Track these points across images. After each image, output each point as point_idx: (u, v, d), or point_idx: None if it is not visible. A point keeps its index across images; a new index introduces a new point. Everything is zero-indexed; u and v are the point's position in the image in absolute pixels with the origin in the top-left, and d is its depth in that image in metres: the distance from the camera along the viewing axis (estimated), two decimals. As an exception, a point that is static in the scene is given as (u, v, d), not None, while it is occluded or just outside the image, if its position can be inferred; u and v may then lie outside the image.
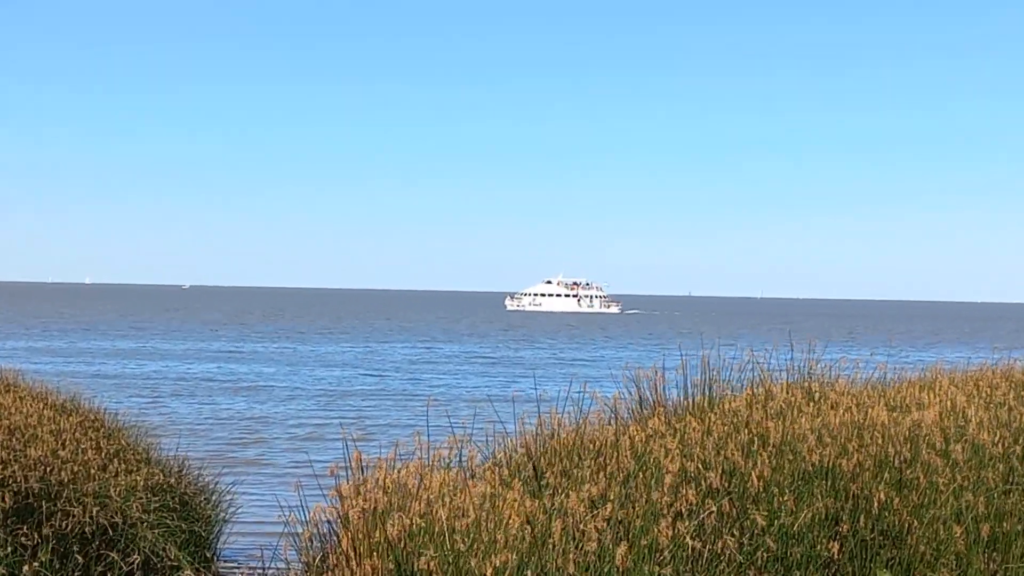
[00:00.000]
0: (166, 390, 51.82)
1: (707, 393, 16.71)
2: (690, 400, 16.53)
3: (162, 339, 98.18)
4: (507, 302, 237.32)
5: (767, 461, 13.09)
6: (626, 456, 13.52)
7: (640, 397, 16.68)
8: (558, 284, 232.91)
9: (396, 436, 35.11)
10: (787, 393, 16.37)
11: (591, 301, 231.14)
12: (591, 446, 14.08)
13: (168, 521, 15.56)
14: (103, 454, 16.37)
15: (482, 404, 37.49)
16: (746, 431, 14.24)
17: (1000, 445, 14.53)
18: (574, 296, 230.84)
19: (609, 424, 15.38)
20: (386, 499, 12.06)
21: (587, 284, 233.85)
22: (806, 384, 17.28)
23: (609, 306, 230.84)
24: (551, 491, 12.56)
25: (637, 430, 14.40)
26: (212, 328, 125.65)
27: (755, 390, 16.62)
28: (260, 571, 13.77)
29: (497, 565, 10.85)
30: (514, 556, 10.96)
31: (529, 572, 10.78)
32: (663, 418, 14.99)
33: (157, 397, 48.57)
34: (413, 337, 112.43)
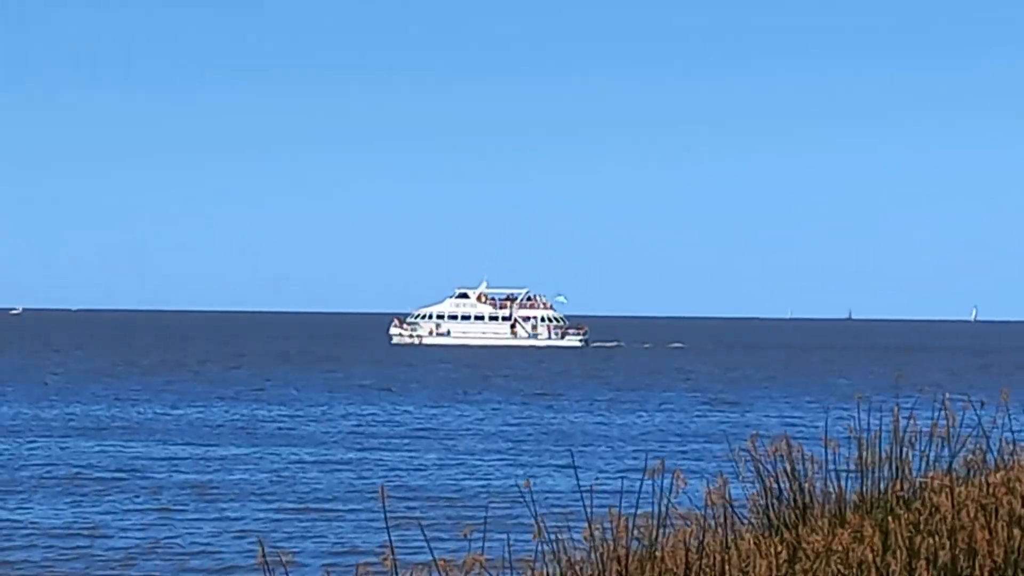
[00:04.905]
0: None
1: (895, 477, 10.71)
2: (863, 491, 10.52)
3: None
4: (394, 329, 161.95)
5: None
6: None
7: (767, 487, 10.64)
8: (480, 299, 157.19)
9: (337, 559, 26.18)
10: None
11: (535, 327, 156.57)
12: (676, 571, 8.47)
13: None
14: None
15: (495, 499, 27.62)
16: (953, 542, 9.02)
17: None
18: (506, 319, 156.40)
19: (716, 531, 9.49)
20: None
21: (529, 299, 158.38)
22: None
23: (564, 334, 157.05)
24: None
25: (765, 543, 8.78)
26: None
27: (971, 472, 10.65)
28: None
29: None
30: None
31: None
32: (814, 522, 9.26)
33: None
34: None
